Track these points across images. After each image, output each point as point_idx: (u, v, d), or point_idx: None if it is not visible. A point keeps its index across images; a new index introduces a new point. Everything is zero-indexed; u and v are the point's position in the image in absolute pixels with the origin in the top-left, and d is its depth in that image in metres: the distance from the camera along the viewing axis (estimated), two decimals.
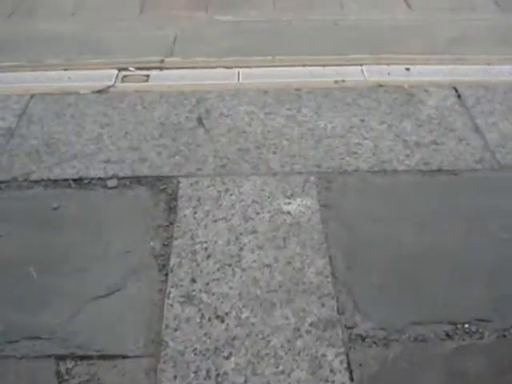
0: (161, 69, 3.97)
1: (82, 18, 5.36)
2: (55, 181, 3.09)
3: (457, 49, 4.31)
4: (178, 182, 3.03)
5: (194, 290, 2.43)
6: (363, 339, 2.25)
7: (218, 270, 2.53)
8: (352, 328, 2.29)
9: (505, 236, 2.70)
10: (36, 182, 3.10)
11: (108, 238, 2.73)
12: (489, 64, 4.04)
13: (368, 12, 5.44)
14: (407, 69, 3.90)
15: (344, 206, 2.87)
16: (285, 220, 2.77)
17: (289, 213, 2.81)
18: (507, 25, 5.09)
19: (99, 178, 3.09)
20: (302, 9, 5.61)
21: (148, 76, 3.93)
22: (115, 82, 3.91)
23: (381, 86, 3.63)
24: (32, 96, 3.83)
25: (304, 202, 2.87)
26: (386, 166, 3.10)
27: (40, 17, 5.44)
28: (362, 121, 3.40)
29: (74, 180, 3.09)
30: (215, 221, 2.78)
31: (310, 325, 2.28)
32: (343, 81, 3.69)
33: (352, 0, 5.84)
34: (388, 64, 3.92)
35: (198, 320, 2.31)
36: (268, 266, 2.54)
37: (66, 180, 3.09)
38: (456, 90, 3.62)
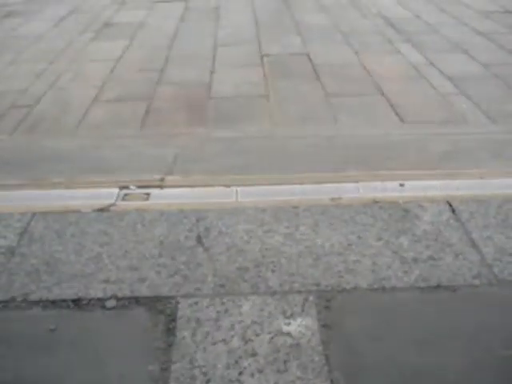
0: (161, 187, 4.08)
1: (84, 134, 5.55)
2: (54, 301, 3.09)
3: (449, 163, 4.44)
4: (177, 303, 3.02)
5: None
6: None
7: None
8: None
9: (506, 353, 2.67)
10: (35, 302, 3.09)
11: (105, 362, 2.69)
12: (481, 178, 4.15)
13: (361, 127, 5.65)
14: (401, 185, 4.00)
15: (344, 325, 2.86)
16: (285, 341, 2.75)
17: (289, 334, 2.79)
18: (498, 138, 5.26)
19: (98, 299, 3.09)
20: (296, 124, 5.83)
21: (148, 194, 4.03)
22: (116, 200, 4.00)
23: (376, 202, 3.71)
24: (34, 214, 3.90)
25: (304, 323, 2.86)
26: (385, 283, 3.12)
27: (42, 133, 5.64)
28: (359, 238, 3.45)
29: (73, 301, 3.09)
30: (214, 343, 2.76)
31: None
32: (339, 198, 3.77)
33: (345, 114, 6.09)
34: (382, 180, 4.03)
35: None
36: None
37: (64, 301, 3.09)
38: (450, 205, 3.70)
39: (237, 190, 3.92)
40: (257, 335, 2.79)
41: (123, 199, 4.02)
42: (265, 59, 7.87)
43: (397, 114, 6.01)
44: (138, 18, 10.28)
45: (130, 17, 10.44)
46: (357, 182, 4.00)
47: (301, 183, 3.98)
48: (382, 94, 6.56)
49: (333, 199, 3.76)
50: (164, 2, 11.90)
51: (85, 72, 7.55)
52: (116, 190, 4.12)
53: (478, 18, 10.56)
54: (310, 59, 7.84)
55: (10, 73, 7.60)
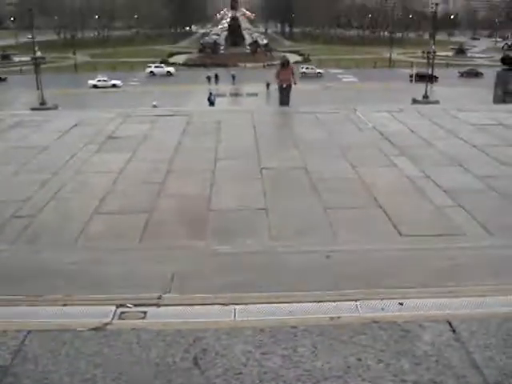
0: (158, 305, 4.04)
1: (84, 247, 5.58)
2: None
3: (448, 280, 4.43)
4: None
5: None
6: None
7: None
8: None
9: None
10: None
11: None
12: (481, 296, 4.12)
13: (360, 241, 5.68)
14: (401, 303, 3.97)
15: None
16: None
17: None
18: (497, 254, 5.27)
19: None
20: (295, 237, 5.87)
21: (145, 313, 3.99)
22: (112, 318, 3.96)
23: (375, 322, 3.67)
24: (29, 332, 3.85)
25: None
26: None
27: (42, 245, 5.67)
28: (359, 360, 3.38)
29: None
30: None
31: None
32: (338, 317, 3.73)
33: (343, 228, 6.15)
34: (381, 299, 4.01)
35: None
36: None
37: None
38: (450, 325, 3.65)
39: (235, 309, 3.87)
40: None
41: (120, 317, 3.98)
42: (264, 172, 8.04)
43: (395, 227, 6.07)
44: (141, 131, 10.60)
45: (133, 130, 10.77)
46: (356, 300, 3.97)
47: (299, 301, 3.94)
48: (380, 207, 6.65)
49: (332, 318, 3.72)
50: (167, 116, 12.33)
51: (87, 183, 7.70)
52: (113, 308, 4.08)
53: (471, 130, 10.91)
54: (308, 172, 8.02)
55: (14, 183, 7.76)
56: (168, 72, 75.61)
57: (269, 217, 6.43)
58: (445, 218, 6.51)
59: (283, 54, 18.57)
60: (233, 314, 3.84)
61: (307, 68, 76.09)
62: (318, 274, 4.71)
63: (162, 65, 79.62)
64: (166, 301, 4.12)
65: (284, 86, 14.70)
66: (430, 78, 60.48)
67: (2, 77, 71.51)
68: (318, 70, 74.62)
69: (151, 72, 75.42)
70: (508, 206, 6.98)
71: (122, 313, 4.02)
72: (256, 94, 57.93)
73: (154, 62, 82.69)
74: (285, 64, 15.08)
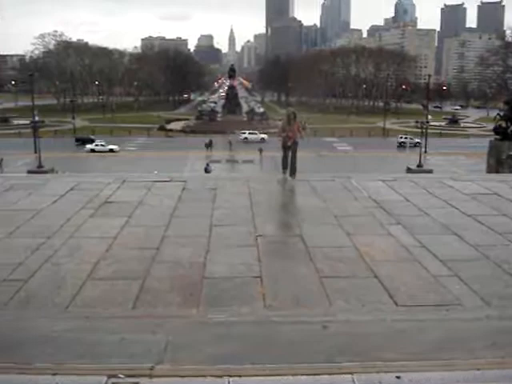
0: (151, 376, 3.94)
1: (75, 314, 5.50)
2: None
3: (445, 353, 4.36)
4: None
5: None
6: None
7: None
8: None
9: None
10: None
11: None
12: (478, 369, 4.05)
13: (356, 311, 5.62)
14: (398, 377, 3.89)
15: None
16: None
17: None
18: (493, 325, 5.21)
19: None
20: (291, 306, 5.80)
21: None
22: None
23: None
24: None
25: None
26: None
27: (33, 310, 5.59)
28: None
29: None
30: None
31: None
32: None
33: (339, 298, 6.09)
34: (378, 372, 3.93)
35: None
36: None
37: None
38: None
39: (229, 381, 3.77)
40: None
41: None
42: (259, 240, 8.03)
43: (391, 297, 6.01)
44: (137, 196, 10.62)
45: (128, 196, 10.79)
46: (352, 373, 3.89)
47: (294, 374, 3.85)
48: (375, 276, 6.62)
49: None
50: (163, 181, 12.39)
51: (81, 248, 7.65)
52: (104, 379, 3.98)
53: (465, 200, 10.97)
54: (304, 241, 8.00)
55: (7, 246, 7.71)
56: (110, 149, 66.51)
57: (264, 285, 6.38)
58: (441, 288, 6.46)
59: (288, 107, 14.90)
60: None
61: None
62: (314, 345, 4.63)
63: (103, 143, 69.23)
64: (159, 372, 4.02)
65: (289, 143, 12.62)
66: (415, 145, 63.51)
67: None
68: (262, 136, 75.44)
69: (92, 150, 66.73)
70: (504, 276, 6.95)
71: (113, 383, 3.92)
72: (252, 161, 58.58)
73: (151, 129, 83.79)
74: (291, 117, 12.87)
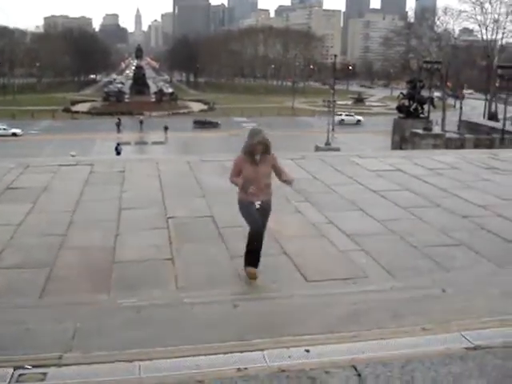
0: (59, 366, 3.83)
1: None
2: None
3: (353, 325, 4.51)
4: None
5: None
6: None
7: None
8: None
9: None
10: None
11: None
12: (383, 339, 4.22)
13: (266, 288, 5.72)
14: (307, 350, 3.98)
15: None
16: None
17: None
18: (398, 297, 5.44)
19: None
20: (203, 287, 5.81)
21: (45, 374, 3.77)
22: (9, 382, 3.71)
23: (283, 371, 3.65)
24: None
25: None
26: None
27: None
28: None
29: None
30: None
31: None
32: (245, 368, 3.68)
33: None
34: (288, 347, 4.01)
35: None
36: None
37: None
38: (356, 369, 3.70)
39: (140, 366, 3.73)
40: None
41: (18, 380, 3.74)
42: (170, 222, 7.97)
43: (300, 273, 6.15)
44: (42, 182, 10.26)
45: (33, 181, 10.40)
46: (263, 350, 3.95)
47: (206, 354, 3.87)
48: (285, 253, 6.74)
49: (239, 370, 3.67)
50: (69, 165, 12.03)
51: None
52: (10, 370, 3.84)
53: (371, 176, 11.34)
54: (215, 221, 8.02)
55: None
56: (13, 133, 61.79)
57: (175, 267, 6.36)
58: (348, 262, 6.67)
59: (254, 129, 7.02)
60: (138, 371, 3.70)
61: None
62: (225, 324, 4.67)
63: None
64: (68, 360, 3.91)
65: (258, 203, 6.52)
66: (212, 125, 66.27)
67: None
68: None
69: None
70: (408, 248, 7.26)
71: (20, 375, 3.78)
72: (162, 142, 57.86)
73: (55, 111, 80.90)
74: (257, 150, 6.52)
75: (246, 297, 5.38)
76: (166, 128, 61.06)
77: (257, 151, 6.57)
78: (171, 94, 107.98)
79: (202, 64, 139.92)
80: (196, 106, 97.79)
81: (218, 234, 7.54)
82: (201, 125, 72.15)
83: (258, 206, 6.57)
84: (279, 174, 6.83)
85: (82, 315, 4.76)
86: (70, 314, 4.80)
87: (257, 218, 6.52)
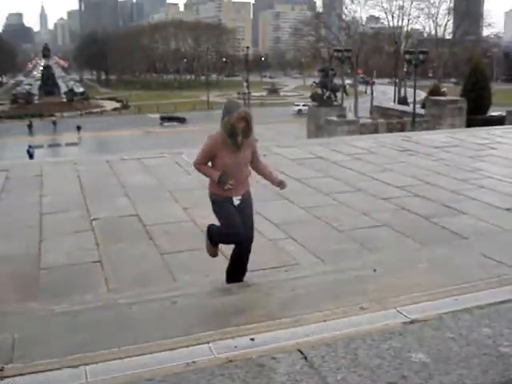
0: (1, 378, 3.67)
1: None
2: None
3: (293, 310, 4.59)
4: None
5: None
6: None
7: None
8: None
9: None
10: None
11: None
12: (324, 321, 4.32)
13: (201, 283, 5.73)
14: (252, 339, 4.02)
15: None
16: None
17: None
18: (332, 280, 5.58)
19: None
20: (135, 286, 5.75)
21: None
22: None
23: (231, 361, 3.67)
24: None
25: None
26: None
27: None
28: None
29: None
30: None
31: None
32: (194, 362, 3.68)
33: (183, 271, 6.16)
34: (233, 337, 4.03)
35: None
36: None
37: None
38: (301, 352, 3.76)
39: (86, 370, 3.65)
40: None
41: None
42: (94, 224, 7.80)
43: None
44: None
45: None
46: (209, 342, 3.95)
47: (152, 352, 3.83)
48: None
49: (187, 364, 3.65)
50: None
51: None
52: None
53: (292, 165, 11.51)
54: (141, 219, 7.92)
55: None
56: None
57: (104, 269, 6.25)
58: (279, 251, 6.78)
59: (230, 100, 5.74)
60: (84, 376, 3.61)
61: None
62: (167, 321, 4.65)
63: None
64: (10, 372, 3.73)
65: (238, 199, 5.52)
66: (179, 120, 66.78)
67: None
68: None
69: None
70: (333, 233, 7.45)
71: None
72: (75, 143, 56.38)
73: None
74: (238, 129, 5.24)
75: (182, 292, 5.35)
76: (78, 128, 59.63)
77: (238, 131, 5.20)
78: (82, 93, 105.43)
79: (113, 61, 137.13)
80: (109, 105, 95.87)
81: (145, 232, 7.46)
82: (167, 121, 71.49)
83: (237, 203, 5.45)
84: (258, 166, 5.69)
85: (17, 325, 4.59)
86: (4, 325, 4.61)
87: (237, 221, 5.37)
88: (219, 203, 5.45)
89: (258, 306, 4.88)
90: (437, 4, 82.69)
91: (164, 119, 72.26)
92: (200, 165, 5.43)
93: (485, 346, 3.77)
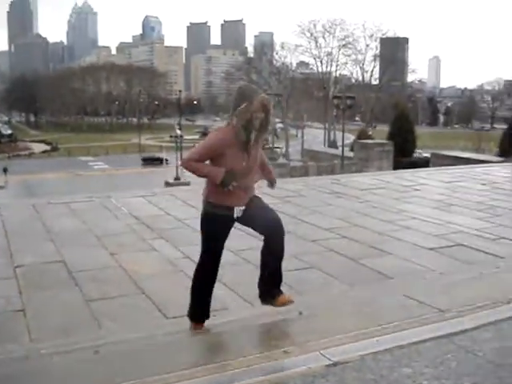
0: None
1: None
2: None
3: (219, 356, 4.54)
4: None
5: None
6: None
7: None
8: None
9: None
10: None
11: None
12: (248, 366, 4.29)
13: (126, 330, 5.60)
14: None
15: None
16: None
17: None
18: (259, 324, 5.58)
19: None
20: (59, 336, 5.56)
21: None
22: None
23: None
24: None
25: None
26: None
27: None
28: None
29: None
30: None
31: None
32: None
33: (109, 318, 6.00)
34: None
35: None
36: None
37: None
38: None
39: None
40: None
41: None
42: (18, 271, 7.53)
43: (160, 311, 6.10)
44: None
45: None
46: None
47: None
48: (143, 292, 6.64)
49: None
50: None
51: None
52: None
53: None
54: (67, 266, 7.71)
55: None
56: None
57: (27, 317, 6.02)
58: None
59: (246, 84, 5.70)
60: None
61: None
62: (89, 371, 4.51)
63: None
64: None
65: (241, 210, 4.93)
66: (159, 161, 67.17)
67: None
68: None
69: None
70: None
71: None
72: (1, 187, 54.78)
73: None
74: (257, 121, 4.35)
75: (105, 341, 5.21)
76: (5, 170, 58.07)
77: (257, 123, 4.23)
78: (10, 135, 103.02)
79: (43, 103, 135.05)
80: (38, 147, 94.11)
81: (71, 278, 7.25)
82: (149, 162, 72.10)
83: (238, 215, 4.70)
84: (263, 164, 4.92)
85: None
86: None
87: (220, 248, 4.93)
88: (211, 219, 4.61)
89: (183, 353, 4.81)
90: (363, 51, 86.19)
91: (146, 160, 72.83)
92: (195, 162, 4.39)
93: None
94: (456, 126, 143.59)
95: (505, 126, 48.31)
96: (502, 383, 4.19)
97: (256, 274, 7.51)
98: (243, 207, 4.70)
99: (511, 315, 5.59)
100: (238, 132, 4.24)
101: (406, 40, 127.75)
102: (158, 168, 68.57)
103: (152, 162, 72.00)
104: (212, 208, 4.64)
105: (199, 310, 5.00)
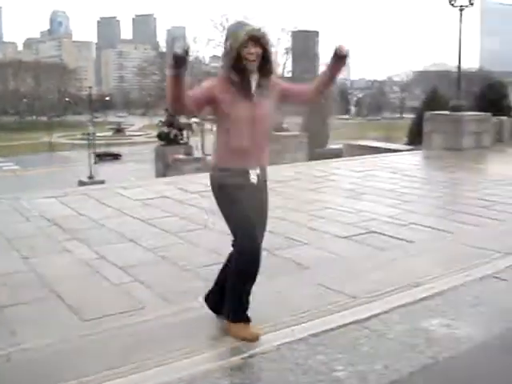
0: None
1: None
2: None
3: (132, 358, 4.52)
4: None
5: None
6: None
7: None
8: None
9: None
10: None
11: None
12: (166, 364, 4.31)
13: (41, 335, 5.45)
14: None
15: None
16: None
17: None
18: (177, 320, 5.56)
19: None
20: None
21: None
22: None
23: None
24: None
25: None
26: None
27: None
28: None
29: None
30: None
31: None
32: None
33: (23, 324, 5.81)
34: None
35: None
36: None
37: None
38: None
39: None
40: None
41: None
42: None
43: (76, 313, 5.96)
44: None
45: None
46: None
47: None
48: (59, 296, 6.48)
49: None
50: None
51: None
52: None
53: (137, 206, 11.38)
54: None
55: None
56: None
57: None
58: (124, 295, 6.63)
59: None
60: None
61: None
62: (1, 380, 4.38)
63: None
64: None
65: (256, 173, 4.37)
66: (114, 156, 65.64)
67: None
68: None
69: None
70: (181, 273, 7.44)
71: None
72: None
73: None
74: (250, 57, 3.74)
75: (19, 348, 5.06)
76: None
77: (250, 60, 3.66)
78: None
79: None
80: None
81: None
82: (103, 158, 68.77)
83: (254, 180, 4.11)
84: (302, 90, 4.25)
85: None
86: None
87: (254, 222, 4.11)
88: (229, 190, 3.84)
89: (96, 356, 4.73)
90: (275, 44, 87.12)
91: (100, 156, 69.44)
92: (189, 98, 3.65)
93: (320, 373, 3.95)
94: (367, 116, 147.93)
95: (413, 116, 50.20)
96: (412, 363, 4.40)
97: (173, 271, 7.53)
98: (258, 171, 4.14)
99: (420, 297, 5.88)
100: (229, 74, 3.67)
101: (316, 33, 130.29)
102: (71, 166, 66.82)
103: (106, 158, 69.75)
104: (224, 178, 3.93)
105: (241, 307, 4.50)
